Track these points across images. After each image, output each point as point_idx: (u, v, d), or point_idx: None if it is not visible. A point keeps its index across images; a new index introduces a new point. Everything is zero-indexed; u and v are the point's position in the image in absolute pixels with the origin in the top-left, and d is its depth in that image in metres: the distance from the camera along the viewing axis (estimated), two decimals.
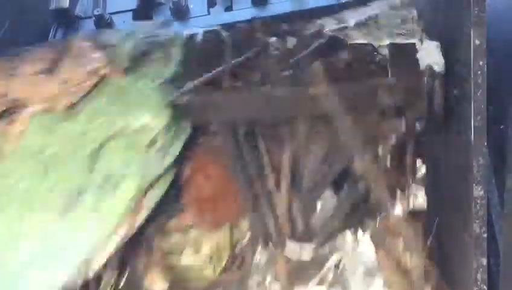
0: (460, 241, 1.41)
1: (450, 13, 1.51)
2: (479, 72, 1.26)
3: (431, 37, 1.67)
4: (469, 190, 1.32)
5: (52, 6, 2.40)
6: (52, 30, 2.40)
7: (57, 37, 2.39)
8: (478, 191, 1.30)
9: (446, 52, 1.54)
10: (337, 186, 1.67)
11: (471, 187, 1.32)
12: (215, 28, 2.05)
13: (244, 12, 2.34)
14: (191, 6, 2.36)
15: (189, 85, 1.71)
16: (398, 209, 1.61)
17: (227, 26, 2.15)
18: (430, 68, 1.52)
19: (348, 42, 1.77)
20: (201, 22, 2.36)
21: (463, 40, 1.33)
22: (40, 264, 1.45)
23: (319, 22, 1.90)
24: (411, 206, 1.63)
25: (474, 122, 1.27)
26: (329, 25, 1.91)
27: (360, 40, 1.75)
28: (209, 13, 2.36)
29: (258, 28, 1.98)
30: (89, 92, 1.63)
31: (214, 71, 1.79)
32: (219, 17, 2.34)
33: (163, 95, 1.66)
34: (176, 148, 1.58)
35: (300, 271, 1.57)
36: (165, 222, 1.60)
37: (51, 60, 1.80)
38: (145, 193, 1.50)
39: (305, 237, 1.59)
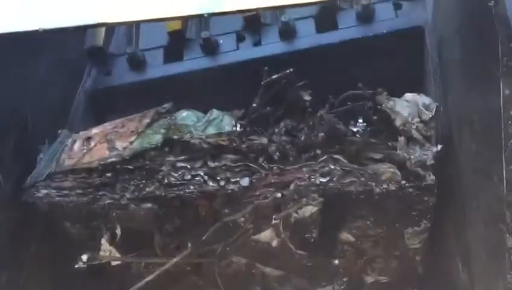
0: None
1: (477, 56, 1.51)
2: (510, 122, 1.25)
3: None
4: (502, 240, 1.31)
5: (87, 45, 2.49)
6: (86, 68, 2.49)
7: (91, 75, 2.48)
8: None
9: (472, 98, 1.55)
10: None
11: (503, 237, 1.31)
12: None
13: (272, 46, 2.37)
14: (220, 41, 2.41)
15: None
16: None
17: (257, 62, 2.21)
18: None
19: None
20: (230, 57, 2.44)
21: (492, 88, 1.33)
22: None
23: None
24: None
25: (507, 172, 1.26)
26: None
27: None
28: (238, 48, 2.41)
29: None
30: None
31: None
32: (248, 52, 2.39)
33: None
34: None
35: None
36: None
37: None
38: None
39: None
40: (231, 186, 1.80)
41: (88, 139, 1.98)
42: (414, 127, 1.74)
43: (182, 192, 1.84)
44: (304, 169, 1.78)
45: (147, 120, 1.94)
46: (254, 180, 1.79)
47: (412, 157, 1.70)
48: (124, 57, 2.45)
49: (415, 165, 1.70)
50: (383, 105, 1.76)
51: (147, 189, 1.86)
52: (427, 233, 1.87)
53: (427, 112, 1.75)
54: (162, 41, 2.47)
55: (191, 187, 1.83)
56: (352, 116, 1.81)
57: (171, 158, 1.86)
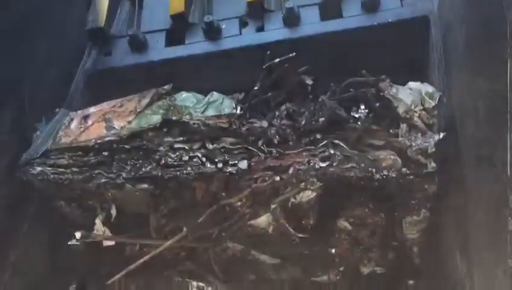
0: (493, 276, 1.37)
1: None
2: None
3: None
4: (503, 226, 1.29)
5: (88, 26, 2.46)
6: (87, 49, 2.46)
7: (92, 55, 2.46)
8: None
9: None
10: None
11: (505, 221, 1.28)
12: None
13: (275, 33, 2.35)
14: (223, 26, 2.38)
15: None
16: None
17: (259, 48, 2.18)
18: None
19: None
20: (233, 42, 2.41)
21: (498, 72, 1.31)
22: None
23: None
24: None
25: (511, 159, 1.24)
26: None
27: None
28: (241, 33, 2.38)
29: None
30: None
31: None
32: (251, 37, 2.37)
33: None
34: None
35: None
36: None
37: None
38: None
39: None
40: (229, 169, 1.78)
41: (86, 117, 1.97)
42: (416, 114, 1.72)
43: (178, 173, 1.83)
44: (304, 153, 1.76)
45: (146, 100, 1.92)
46: (253, 164, 1.78)
47: (414, 144, 1.68)
48: (126, 39, 2.42)
49: (416, 152, 1.68)
50: (386, 92, 1.74)
51: (144, 169, 1.84)
52: (426, 223, 1.85)
53: (430, 100, 1.73)
54: (165, 24, 2.44)
55: (189, 169, 1.82)
56: (354, 103, 1.79)
57: (169, 139, 1.84)
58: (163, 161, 1.82)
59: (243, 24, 2.39)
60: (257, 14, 2.39)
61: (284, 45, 2.25)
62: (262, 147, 1.79)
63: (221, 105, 1.86)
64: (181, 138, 1.84)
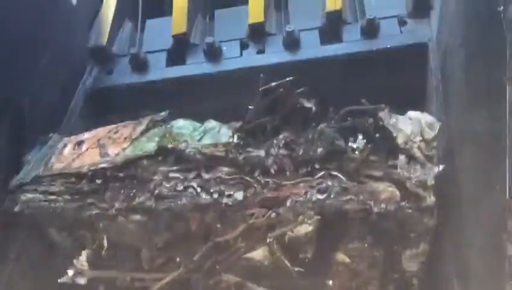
0: None
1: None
2: None
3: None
4: (501, 250, 1.29)
5: (91, 43, 2.49)
6: (88, 67, 2.48)
7: (93, 73, 2.47)
8: None
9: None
10: None
11: (504, 246, 1.28)
12: None
13: (275, 55, 2.37)
14: (224, 48, 2.41)
15: None
16: None
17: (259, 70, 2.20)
18: None
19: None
20: (233, 64, 2.44)
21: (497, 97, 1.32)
22: None
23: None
24: None
25: (510, 177, 1.24)
26: None
27: None
28: (241, 55, 2.41)
29: None
30: None
31: None
32: (251, 59, 2.39)
33: None
34: None
35: None
36: None
37: None
38: None
39: None
40: (225, 200, 1.76)
41: (80, 143, 1.96)
42: (416, 145, 1.70)
43: (173, 204, 1.79)
44: (301, 185, 1.73)
45: (142, 127, 1.92)
46: (248, 195, 1.75)
47: (413, 176, 1.66)
48: (127, 58, 2.45)
49: (416, 184, 1.66)
50: (385, 122, 1.72)
51: (137, 199, 1.81)
52: (425, 256, 1.81)
53: (429, 130, 1.72)
54: (166, 44, 2.47)
55: (183, 199, 1.79)
56: (352, 132, 1.77)
57: (164, 168, 1.82)
58: (157, 191, 1.79)
59: (244, 46, 2.42)
60: (258, 36, 2.42)
61: (283, 67, 2.28)
62: (258, 178, 1.76)
63: (218, 133, 1.85)
64: (176, 167, 1.82)
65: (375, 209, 1.67)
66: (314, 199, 1.70)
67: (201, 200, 1.77)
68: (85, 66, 2.47)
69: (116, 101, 2.38)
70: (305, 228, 1.76)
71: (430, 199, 1.66)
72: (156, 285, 1.97)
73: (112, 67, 2.48)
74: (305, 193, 1.72)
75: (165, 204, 1.79)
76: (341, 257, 1.90)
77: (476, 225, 1.52)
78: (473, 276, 1.55)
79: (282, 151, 1.77)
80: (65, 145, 1.97)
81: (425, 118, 1.76)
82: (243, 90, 2.07)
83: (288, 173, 1.75)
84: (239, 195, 1.75)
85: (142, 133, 1.90)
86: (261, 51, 2.39)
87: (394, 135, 1.71)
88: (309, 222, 1.74)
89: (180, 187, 1.79)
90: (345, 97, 1.81)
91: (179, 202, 1.78)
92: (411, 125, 1.73)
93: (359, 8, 2.41)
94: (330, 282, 1.96)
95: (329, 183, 1.71)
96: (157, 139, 1.86)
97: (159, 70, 2.42)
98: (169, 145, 1.82)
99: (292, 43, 2.33)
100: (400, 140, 1.70)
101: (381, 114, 1.74)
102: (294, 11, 2.50)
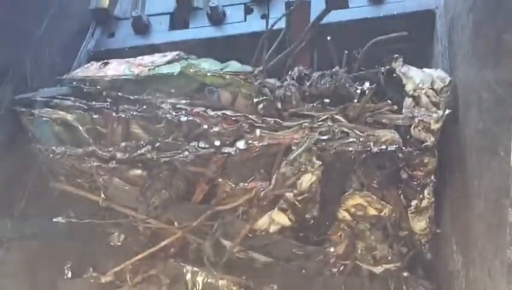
0: (491, 267, 1.36)
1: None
2: None
3: None
4: (503, 215, 1.28)
5: (92, 6, 2.45)
6: (90, 29, 2.45)
7: (95, 36, 2.44)
8: None
9: None
10: None
11: (506, 212, 1.27)
12: None
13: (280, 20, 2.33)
14: (228, 12, 2.37)
15: None
16: None
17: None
18: None
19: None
20: (237, 29, 2.40)
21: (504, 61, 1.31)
22: None
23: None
24: None
25: None
26: None
27: None
28: (245, 20, 2.37)
29: None
30: None
31: None
32: (255, 24, 2.35)
33: None
34: None
35: None
36: None
37: None
38: None
39: None
40: (227, 149, 1.75)
41: (106, 63, 1.98)
42: (424, 92, 1.70)
43: (175, 156, 1.79)
44: (304, 125, 1.73)
45: (168, 58, 1.93)
46: (250, 142, 1.74)
47: (417, 116, 1.67)
48: (129, 21, 2.40)
49: (419, 127, 1.66)
50: (397, 69, 1.74)
51: (138, 151, 1.81)
52: (432, 211, 1.80)
53: (440, 82, 1.73)
54: (169, 7, 2.43)
55: (185, 153, 1.78)
56: (363, 80, 1.79)
57: (172, 100, 1.82)
58: (158, 144, 1.79)
59: (248, 11, 2.38)
60: (262, 0, 2.38)
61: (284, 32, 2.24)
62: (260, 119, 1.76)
63: (239, 68, 1.87)
64: (184, 101, 1.82)
65: (375, 150, 1.68)
66: (315, 140, 1.70)
67: (204, 151, 1.76)
68: (87, 29, 2.43)
69: None
70: (308, 179, 1.76)
71: (431, 140, 1.67)
72: (154, 248, 1.99)
73: (113, 30, 2.44)
74: (307, 136, 1.71)
75: (166, 157, 1.79)
76: (342, 214, 1.89)
77: (478, 188, 1.50)
78: (473, 239, 1.54)
79: (293, 82, 1.78)
80: (91, 64, 1.99)
81: (438, 72, 1.78)
82: (246, 54, 2.05)
83: (294, 102, 1.75)
84: (241, 144, 1.74)
85: (168, 62, 1.91)
86: (265, 15, 2.34)
87: (404, 82, 1.72)
88: (312, 169, 1.74)
89: (183, 118, 1.78)
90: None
91: (180, 155, 1.78)
92: (422, 75, 1.74)
93: None
94: (332, 249, 1.96)
95: (331, 124, 1.72)
96: (180, 66, 1.87)
97: (162, 34, 2.39)
98: (191, 70, 1.83)
99: None
100: (409, 87, 1.71)
101: (395, 64, 1.76)
102: None
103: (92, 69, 1.94)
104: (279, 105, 1.74)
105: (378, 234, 1.91)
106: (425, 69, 1.79)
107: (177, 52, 1.95)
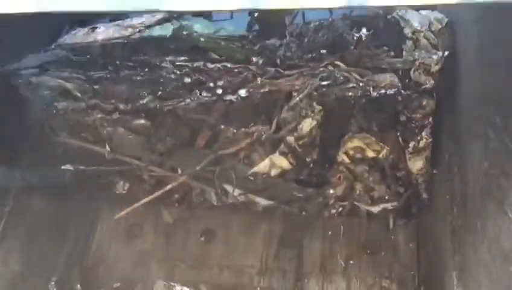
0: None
1: None
2: None
3: None
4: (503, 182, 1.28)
5: None
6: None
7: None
8: None
9: None
10: None
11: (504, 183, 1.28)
12: None
13: None
14: None
15: None
16: None
17: None
18: None
19: None
20: None
21: None
22: None
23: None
24: None
25: None
26: None
27: None
28: None
29: None
30: None
31: None
32: None
33: None
34: None
35: None
36: None
37: None
38: None
39: None
40: (229, 97, 1.77)
41: (94, 28, 1.91)
42: (422, 34, 1.72)
43: (177, 104, 1.81)
44: (304, 74, 1.74)
45: (158, 17, 1.88)
46: (251, 90, 1.76)
47: (417, 58, 1.68)
48: None
49: (420, 68, 1.69)
50: (395, 12, 1.75)
51: (141, 101, 1.82)
52: (429, 150, 1.84)
53: (437, 23, 1.74)
54: None
55: (187, 100, 1.80)
56: (361, 25, 1.79)
57: (170, 57, 1.81)
58: (160, 93, 1.80)
59: None
60: None
61: None
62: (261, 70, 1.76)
63: (233, 31, 1.84)
64: (184, 57, 1.81)
65: (374, 94, 1.70)
66: (316, 86, 1.72)
67: (206, 99, 1.78)
68: None
69: None
70: (309, 123, 1.80)
71: (430, 82, 1.69)
72: (156, 194, 2.04)
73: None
74: (308, 83, 1.72)
75: (169, 105, 1.81)
76: (341, 157, 1.94)
77: (477, 153, 1.52)
78: (471, 193, 1.57)
79: (293, 39, 1.78)
80: (78, 31, 1.93)
81: (435, 14, 1.78)
82: None
83: (296, 60, 1.76)
84: (242, 92, 1.76)
85: (158, 22, 1.86)
86: None
87: (402, 25, 1.74)
88: (312, 114, 1.77)
89: (187, 80, 1.78)
90: None
91: (183, 103, 1.79)
92: (419, 18, 1.75)
93: None
94: (331, 191, 2.02)
95: (332, 68, 1.73)
96: (171, 28, 1.84)
97: None
98: (184, 32, 1.81)
99: None
100: (407, 30, 1.73)
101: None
102: None
103: (80, 35, 1.89)
104: (278, 62, 1.76)
105: (376, 175, 1.96)
106: (422, 11, 1.79)
107: (167, 12, 1.90)
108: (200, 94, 1.78)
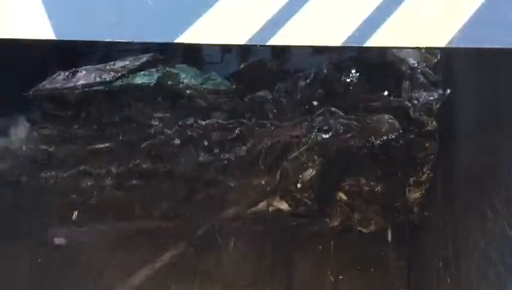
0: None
1: None
2: None
3: None
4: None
5: None
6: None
7: None
8: None
9: None
10: None
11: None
12: None
13: None
14: None
15: None
16: None
17: None
18: None
19: None
20: None
21: None
22: None
23: None
24: None
25: None
26: None
27: None
28: None
29: None
30: None
31: None
32: None
33: None
34: None
35: None
36: None
37: None
38: None
39: None
40: (226, 156, 1.72)
41: (75, 72, 1.78)
42: (419, 71, 1.69)
43: (172, 166, 1.75)
44: (302, 124, 1.71)
45: (142, 60, 1.78)
46: (249, 147, 1.72)
47: (417, 98, 1.66)
48: None
49: (420, 109, 1.67)
50: (388, 51, 1.70)
51: (132, 162, 1.76)
52: (429, 183, 1.84)
53: (430, 56, 1.71)
54: None
55: (183, 160, 1.73)
56: (350, 68, 1.74)
57: (160, 114, 1.73)
58: (153, 153, 1.73)
59: None
60: None
61: None
62: (257, 121, 1.72)
63: (220, 83, 1.76)
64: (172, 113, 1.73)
65: (377, 143, 1.68)
66: (318, 138, 1.69)
67: (203, 160, 1.73)
68: None
69: None
70: (308, 174, 1.77)
71: (432, 124, 1.68)
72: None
73: None
74: (307, 134, 1.70)
75: (164, 166, 1.75)
76: (339, 194, 1.93)
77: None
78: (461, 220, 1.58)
79: (283, 94, 1.74)
80: (58, 74, 1.79)
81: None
82: None
83: (289, 114, 1.73)
84: (241, 150, 1.71)
85: (142, 66, 1.77)
86: None
87: (397, 64, 1.71)
88: (312, 165, 1.75)
89: (177, 141, 1.72)
90: None
91: (179, 164, 1.73)
92: (413, 53, 1.72)
93: None
94: (327, 220, 1.98)
95: (331, 121, 1.69)
96: (156, 75, 1.74)
97: None
98: (169, 82, 1.72)
99: None
100: (403, 68, 1.71)
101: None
102: None
103: (60, 80, 1.77)
104: (270, 116, 1.71)
105: (374, 207, 1.96)
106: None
107: (150, 54, 1.80)
108: (196, 154, 1.71)
